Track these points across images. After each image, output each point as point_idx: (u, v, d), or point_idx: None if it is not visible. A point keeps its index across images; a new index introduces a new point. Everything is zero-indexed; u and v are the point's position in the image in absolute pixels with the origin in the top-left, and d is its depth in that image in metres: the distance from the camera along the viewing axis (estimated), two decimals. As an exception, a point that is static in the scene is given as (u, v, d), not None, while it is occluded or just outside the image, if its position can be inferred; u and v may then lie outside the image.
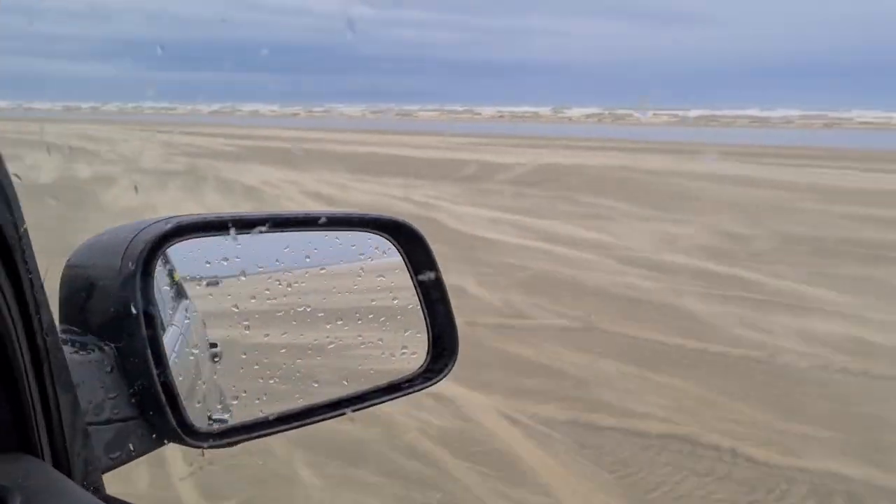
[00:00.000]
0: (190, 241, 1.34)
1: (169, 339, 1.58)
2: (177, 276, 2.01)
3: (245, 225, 1.32)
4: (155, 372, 1.18)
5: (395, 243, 1.50)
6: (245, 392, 1.49)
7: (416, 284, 1.51)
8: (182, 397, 1.38)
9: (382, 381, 1.49)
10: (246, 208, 16.39)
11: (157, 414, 1.20)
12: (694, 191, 19.99)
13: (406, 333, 1.53)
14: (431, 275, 1.51)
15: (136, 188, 20.09)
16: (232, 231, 1.30)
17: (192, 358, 1.69)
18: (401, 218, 1.49)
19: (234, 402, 1.67)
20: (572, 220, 14.59)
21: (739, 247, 11.94)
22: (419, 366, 1.53)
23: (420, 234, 1.50)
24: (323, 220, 1.39)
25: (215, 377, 1.78)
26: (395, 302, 1.53)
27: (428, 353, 1.54)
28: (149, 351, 1.18)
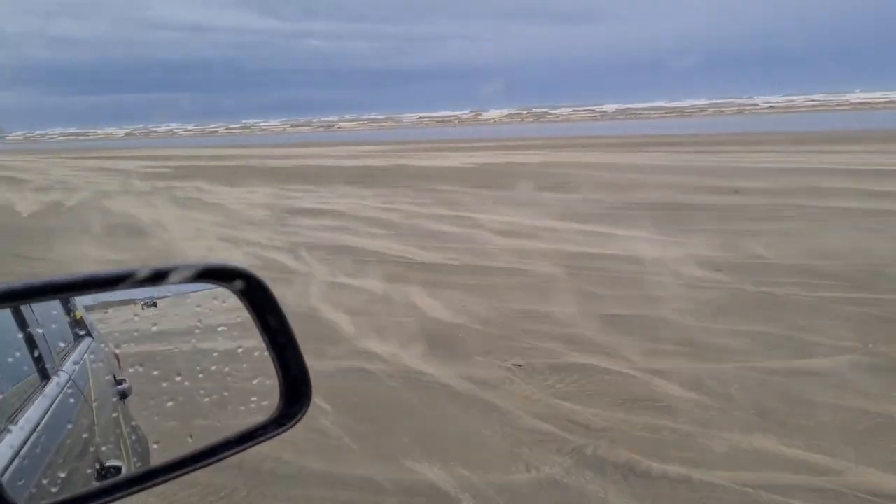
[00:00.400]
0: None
1: (52, 388, 1.49)
2: (78, 314, 1.91)
3: (60, 289, 1.25)
4: None
5: (234, 291, 1.44)
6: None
7: (262, 330, 1.46)
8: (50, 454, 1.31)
9: (232, 431, 1.44)
10: (219, 217, 16.20)
11: None
12: (597, 178, 22.66)
13: (255, 382, 1.48)
14: (275, 319, 1.46)
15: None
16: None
17: (80, 403, 1.60)
18: (235, 264, 1.43)
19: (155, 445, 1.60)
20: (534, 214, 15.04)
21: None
22: (271, 413, 1.48)
23: (258, 278, 1.44)
24: (150, 275, 1.32)
25: (116, 415, 1.69)
26: (240, 351, 1.48)
27: (280, 399, 1.49)
28: None
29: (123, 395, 1.69)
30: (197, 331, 1.44)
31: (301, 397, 1.49)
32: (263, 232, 14.17)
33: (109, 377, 1.72)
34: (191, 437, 1.42)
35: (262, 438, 1.46)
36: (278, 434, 1.48)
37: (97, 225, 15.76)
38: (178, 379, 1.40)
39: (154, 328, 1.39)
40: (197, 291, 1.45)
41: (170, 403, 1.39)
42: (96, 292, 1.31)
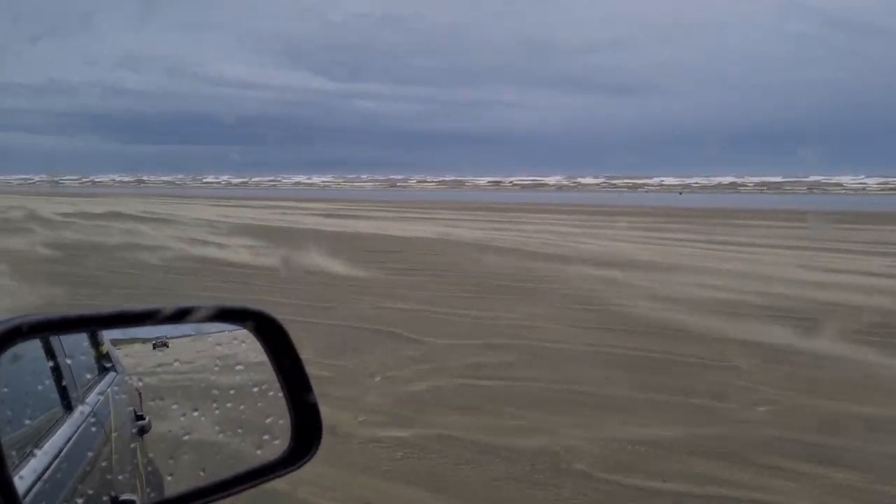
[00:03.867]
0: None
1: (75, 418, 1.63)
2: (104, 349, 2.05)
3: (93, 323, 1.39)
4: None
5: (253, 332, 1.57)
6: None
7: (277, 371, 1.58)
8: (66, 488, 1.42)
9: (243, 468, 1.54)
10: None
11: None
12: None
13: (268, 420, 1.60)
14: (290, 361, 1.58)
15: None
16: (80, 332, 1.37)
17: (100, 435, 1.73)
18: (255, 307, 1.57)
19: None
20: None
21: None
22: (283, 450, 1.59)
23: (275, 319, 1.57)
24: (174, 313, 1.45)
25: (134, 449, 1.79)
26: (255, 390, 1.60)
27: (291, 439, 1.59)
28: None
29: (143, 431, 1.80)
30: (216, 368, 1.57)
31: (311, 438, 1.60)
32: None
33: (130, 412, 1.84)
34: (203, 470, 1.54)
35: (271, 476, 1.57)
36: (287, 473, 1.59)
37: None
38: (195, 414, 1.52)
39: (175, 364, 1.52)
40: (217, 332, 1.59)
41: (186, 437, 1.51)
42: (121, 328, 1.45)
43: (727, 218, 43.31)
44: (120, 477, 1.60)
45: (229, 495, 1.52)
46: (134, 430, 1.81)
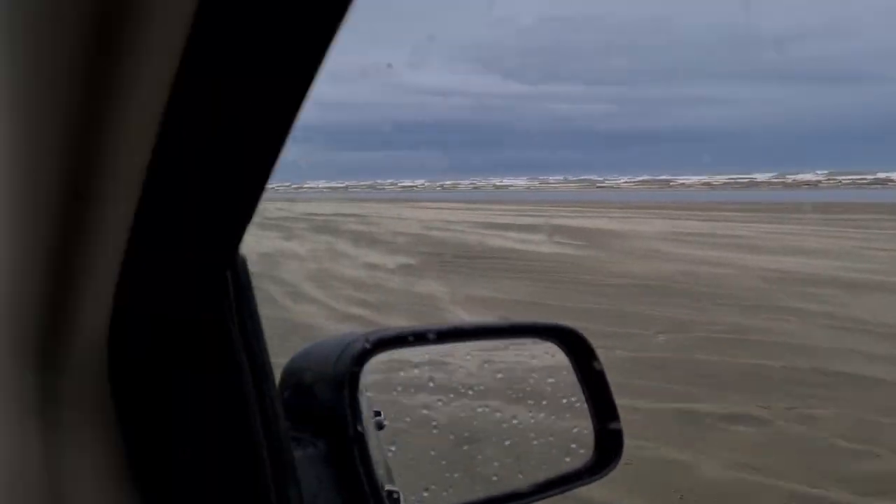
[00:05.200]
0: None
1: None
2: None
3: (430, 337, 1.61)
4: (361, 469, 1.41)
5: (561, 346, 1.74)
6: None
7: (582, 384, 1.74)
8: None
9: (553, 474, 1.71)
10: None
11: None
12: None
13: (574, 430, 1.75)
14: (596, 374, 1.73)
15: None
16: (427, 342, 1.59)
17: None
18: (565, 324, 1.74)
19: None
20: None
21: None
22: (586, 460, 1.74)
23: (582, 335, 1.73)
24: (499, 329, 1.66)
25: (382, 448, 1.98)
26: (564, 401, 1.76)
27: (595, 449, 1.74)
28: (356, 448, 1.41)
29: (380, 427, 1.91)
30: (531, 380, 1.75)
31: (613, 449, 1.74)
32: None
33: (370, 409, 1.97)
34: (521, 474, 1.72)
35: (577, 483, 1.73)
36: (591, 481, 1.74)
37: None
38: (514, 422, 1.72)
39: (499, 375, 1.72)
40: (531, 345, 1.77)
41: (507, 442, 1.70)
42: (455, 342, 1.67)
43: None
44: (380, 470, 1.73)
45: (544, 497, 1.68)
46: (374, 427, 1.95)
